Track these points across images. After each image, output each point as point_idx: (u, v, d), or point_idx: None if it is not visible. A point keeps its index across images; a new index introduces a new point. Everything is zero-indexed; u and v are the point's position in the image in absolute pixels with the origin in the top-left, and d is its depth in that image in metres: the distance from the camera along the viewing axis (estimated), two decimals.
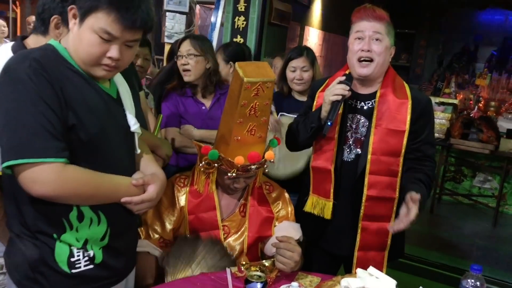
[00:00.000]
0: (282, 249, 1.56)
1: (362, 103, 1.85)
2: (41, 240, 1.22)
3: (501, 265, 3.74)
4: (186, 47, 2.26)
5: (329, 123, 1.71)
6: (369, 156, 1.78)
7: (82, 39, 1.20)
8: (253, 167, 1.66)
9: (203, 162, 1.70)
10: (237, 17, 4.18)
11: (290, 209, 1.89)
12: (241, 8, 4.16)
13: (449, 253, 3.89)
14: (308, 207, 1.92)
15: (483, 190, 5.19)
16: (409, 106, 1.78)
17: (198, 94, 2.33)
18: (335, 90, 1.71)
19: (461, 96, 6.23)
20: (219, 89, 2.36)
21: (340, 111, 1.80)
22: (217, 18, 4.44)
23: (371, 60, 1.75)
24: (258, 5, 4.10)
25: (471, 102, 6.10)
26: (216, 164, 1.68)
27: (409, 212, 1.62)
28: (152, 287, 1.63)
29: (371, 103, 1.83)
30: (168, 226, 1.75)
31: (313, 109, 1.90)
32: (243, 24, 4.18)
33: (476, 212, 5.09)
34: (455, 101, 5.33)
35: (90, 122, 1.20)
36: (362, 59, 1.75)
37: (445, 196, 5.33)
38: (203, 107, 2.31)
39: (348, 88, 1.72)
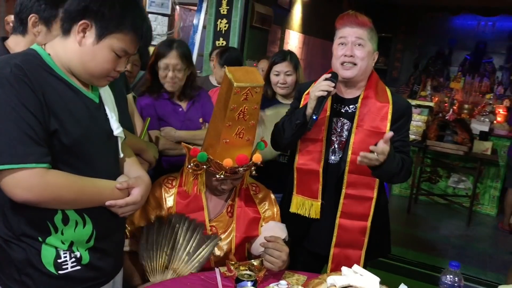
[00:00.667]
0: (270, 249, 1.60)
1: (346, 107, 1.92)
2: (26, 242, 1.23)
3: (475, 263, 3.88)
4: (174, 61, 2.21)
5: (314, 117, 1.76)
6: (349, 155, 1.85)
7: (96, 55, 1.25)
8: (241, 169, 1.70)
9: (191, 164, 1.74)
10: (219, 20, 4.23)
11: (276, 209, 1.93)
12: (223, 11, 4.21)
13: (426, 252, 4.01)
14: (293, 208, 1.98)
15: (458, 190, 5.36)
16: (390, 109, 1.85)
17: (174, 97, 2.33)
18: (320, 86, 1.77)
19: (437, 99, 6.42)
20: (195, 92, 2.38)
21: (328, 113, 1.87)
22: (199, 20, 4.47)
23: (354, 64, 1.82)
24: (240, 8, 4.15)
25: (446, 104, 6.29)
26: (204, 166, 1.72)
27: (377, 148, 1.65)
28: (140, 287, 1.66)
29: (354, 106, 1.90)
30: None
31: None
32: (225, 27, 4.22)
33: (451, 211, 5.25)
34: (431, 104, 5.49)
35: (72, 127, 1.22)
36: (345, 63, 1.83)
37: (421, 196, 5.48)
38: (180, 109, 2.32)
39: (333, 84, 1.77)
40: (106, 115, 1.37)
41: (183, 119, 2.31)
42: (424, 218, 4.98)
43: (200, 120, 2.37)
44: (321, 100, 1.76)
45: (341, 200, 1.89)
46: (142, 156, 1.91)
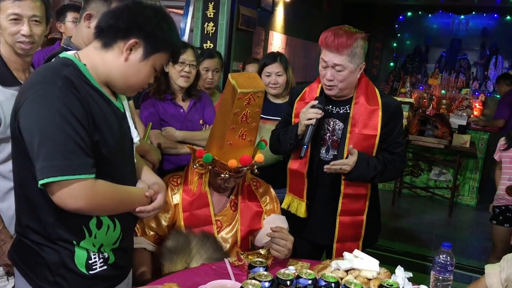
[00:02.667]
0: (277, 238, 1.72)
1: (338, 108, 2.04)
2: (61, 245, 1.28)
3: (457, 251, 4.05)
4: (190, 57, 2.36)
5: (305, 146, 1.93)
6: (344, 157, 1.97)
7: (140, 71, 1.33)
8: (244, 169, 1.81)
9: (196, 164, 1.84)
10: (206, 23, 4.30)
11: (276, 203, 2.06)
12: (210, 15, 4.29)
13: (412, 242, 4.19)
14: (284, 205, 2.14)
15: (439, 182, 5.57)
16: (380, 112, 1.97)
17: (178, 98, 2.43)
18: (308, 114, 1.92)
19: (416, 95, 6.63)
20: (198, 92, 2.49)
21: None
22: (186, 24, 4.54)
23: (334, 85, 1.94)
24: (226, 11, 4.23)
25: (425, 100, 6.51)
26: (209, 166, 1.82)
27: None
28: (154, 280, 1.75)
29: (345, 108, 2.03)
30: (164, 223, 1.87)
31: (292, 117, 2.09)
32: (212, 29, 4.30)
33: (433, 203, 5.47)
34: (411, 100, 5.68)
35: (109, 137, 1.28)
36: (327, 85, 1.95)
37: (404, 190, 5.67)
38: (181, 110, 2.41)
39: (320, 111, 1.92)
40: (128, 123, 1.44)
41: (183, 120, 2.40)
42: (408, 210, 5.17)
43: (201, 121, 2.46)
44: (310, 128, 1.92)
45: (340, 200, 2.02)
46: (146, 158, 2.00)
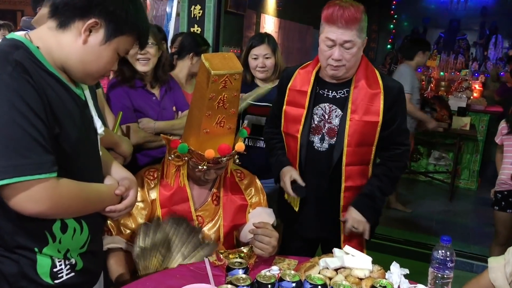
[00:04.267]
0: (260, 235, 1.58)
1: (334, 92, 1.85)
2: (20, 254, 1.14)
3: (458, 237, 3.93)
4: None
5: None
6: (345, 148, 1.81)
7: (101, 56, 1.16)
8: (224, 159, 1.66)
9: (172, 156, 1.69)
10: (193, 6, 4.12)
11: (262, 196, 1.91)
12: None
13: (411, 229, 4.06)
14: (286, 196, 1.99)
15: (438, 167, 5.44)
16: (382, 96, 1.79)
17: (148, 85, 2.21)
18: (287, 191, 1.88)
19: None
20: (166, 76, 2.28)
21: (306, 108, 1.87)
22: (172, 8, 4.36)
23: (343, 65, 1.75)
24: None
25: (423, 83, 6.34)
26: (186, 158, 1.67)
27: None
28: (130, 282, 1.61)
29: (343, 92, 1.84)
30: (140, 220, 1.72)
31: (284, 104, 1.91)
32: (199, 13, 4.12)
33: (433, 188, 5.33)
34: None
35: (71, 129, 1.14)
36: (332, 65, 1.75)
37: (403, 175, 5.52)
38: (154, 98, 2.22)
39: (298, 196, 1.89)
40: (91, 112, 1.29)
41: (158, 108, 2.21)
42: (407, 196, 5.02)
43: (174, 108, 2.28)
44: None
45: (342, 193, 1.87)
46: (116, 150, 1.85)
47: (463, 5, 8.49)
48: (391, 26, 9.08)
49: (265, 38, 2.59)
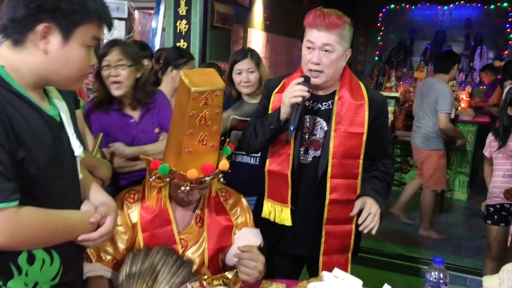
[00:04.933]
0: (245, 260, 1.51)
1: (319, 104, 1.83)
2: None
3: (451, 249, 3.90)
4: (115, 56, 1.98)
5: (291, 128, 1.68)
6: (330, 160, 1.77)
7: (70, 57, 1.10)
8: (207, 179, 1.60)
9: (153, 177, 1.62)
10: (178, 21, 4.10)
11: (249, 215, 1.84)
12: (182, 12, 4.08)
13: (403, 243, 4.00)
14: (264, 213, 1.90)
15: None
16: (366, 107, 1.77)
17: (126, 107, 2.10)
18: (294, 91, 1.68)
19: (401, 89, 6.47)
20: (148, 98, 2.14)
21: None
22: (157, 23, 4.32)
23: (321, 71, 1.73)
24: (199, 8, 4.04)
25: (411, 94, 6.35)
26: (167, 179, 1.60)
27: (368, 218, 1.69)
28: None
29: (328, 104, 1.82)
30: (121, 246, 1.64)
31: (270, 109, 1.87)
32: (185, 28, 4.10)
33: None
34: (397, 94, 5.52)
35: (39, 153, 1.07)
36: (312, 70, 1.73)
37: (393, 187, 5.49)
38: (131, 120, 2.10)
39: (306, 89, 1.69)
40: (67, 134, 1.22)
41: (135, 132, 2.09)
42: None
43: (156, 130, 2.15)
44: (296, 107, 1.68)
45: (326, 206, 1.81)
46: (94, 174, 1.76)
47: (448, 17, 8.57)
48: (378, 38, 9.13)
49: (248, 52, 2.56)
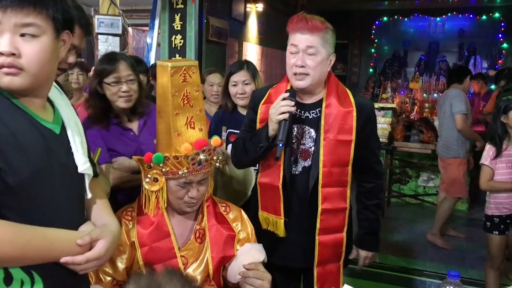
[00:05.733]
0: (251, 278, 1.45)
1: (307, 112, 1.82)
2: None
3: (454, 261, 3.84)
4: (125, 72, 1.98)
5: (280, 145, 1.67)
6: (321, 169, 1.75)
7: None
8: (202, 157, 1.57)
9: (148, 179, 1.58)
10: (173, 36, 4.08)
11: (250, 229, 1.79)
12: (177, 27, 4.07)
13: (407, 255, 3.94)
14: (263, 225, 1.89)
15: (428, 189, 5.37)
16: (354, 114, 1.76)
17: (124, 120, 2.07)
18: (280, 108, 1.67)
19: (397, 100, 6.48)
20: (145, 108, 2.13)
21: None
22: (152, 38, 4.30)
23: (306, 74, 1.72)
24: (194, 23, 4.02)
25: (407, 105, 6.36)
26: (163, 170, 1.56)
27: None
28: None
29: (315, 112, 1.81)
30: (120, 266, 1.58)
31: (257, 123, 1.86)
32: (180, 42, 4.08)
33: (423, 210, 5.24)
34: (394, 105, 5.51)
35: (20, 164, 1.01)
36: (297, 74, 1.72)
37: (393, 199, 5.45)
38: (131, 133, 2.08)
39: (293, 103, 1.69)
40: (68, 147, 1.16)
41: (136, 144, 2.06)
42: (398, 220, 4.93)
43: (155, 141, 2.15)
44: (283, 123, 1.67)
45: (319, 217, 1.79)
46: None
47: (441, 28, 8.63)
48: (372, 50, 9.18)
49: (244, 64, 2.55)
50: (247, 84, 2.47)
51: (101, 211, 1.28)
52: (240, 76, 2.48)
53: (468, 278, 3.44)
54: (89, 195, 1.23)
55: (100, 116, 2.02)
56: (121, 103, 2.00)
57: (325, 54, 1.72)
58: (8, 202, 1.00)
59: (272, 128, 1.70)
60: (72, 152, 1.17)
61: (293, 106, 1.68)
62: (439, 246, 4.10)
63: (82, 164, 1.18)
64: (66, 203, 1.15)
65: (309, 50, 1.69)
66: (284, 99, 1.70)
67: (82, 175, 1.20)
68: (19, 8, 0.99)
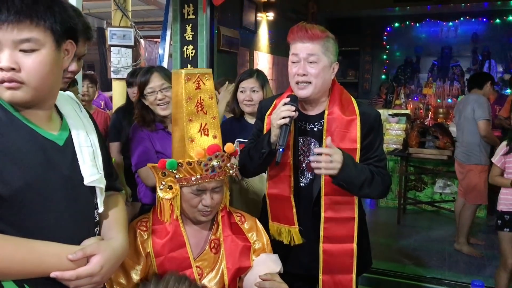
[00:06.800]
0: None
1: (312, 124, 1.81)
2: None
3: (473, 270, 3.74)
4: (158, 82, 2.18)
5: (281, 150, 1.66)
6: (323, 177, 1.74)
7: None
8: (215, 163, 1.55)
9: (162, 186, 1.57)
10: (185, 47, 4.09)
11: (266, 239, 1.76)
12: (188, 37, 4.08)
13: (423, 264, 3.86)
14: (274, 235, 1.87)
15: (444, 195, 5.28)
16: (358, 122, 1.74)
17: (169, 126, 2.22)
18: (281, 113, 1.67)
19: (411, 106, 6.41)
20: None
21: (292, 133, 1.77)
22: (164, 49, 4.33)
23: (309, 82, 1.71)
24: (205, 33, 4.03)
25: (421, 111, 6.29)
26: (177, 176, 1.55)
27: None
28: None
29: (319, 123, 1.80)
30: (135, 277, 1.56)
31: (264, 132, 1.85)
32: (192, 53, 4.09)
33: (440, 218, 5.14)
34: (408, 112, 5.45)
35: (12, 174, 0.99)
36: (299, 82, 1.72)
37: (409, 206, 5.36)
38: None
39: (294, 108, 1.67)
40: (74, 159, 1.14)
41: None
42: (415, 228, 4.84)
43: None
44: (284, 128, 1.66)
45: (322, 225, 1.78)
46: None
47: (453, 32, 8.56)
48: (384, 56, 9.13)
49: (255, 73, 2.58)
50: (254, 91, 2.49)
51: (110, 226, 1.25)
52: (248, 83, 2.51)
53: (489, 287, 3.36)
54: (100, 209, 1.20)
55: (148, 120, 2.23)
56: (159, 111, 2.20)
57: (327, 62, 1.71)
58: (1, 213, 0.99)
59: (274, 134, 1.69)
60: (78, 164, 1.15)
61: (294, 111, 1.67)
62: (467, 254, 4.02)
63: (89, 175, 1.16)
64: (69, 217, 1.12)
65: (311, 58, 1.69)
66: (285, 104, 1.69)
67: (93, 188, 1.18)
68: (15, 23, 0.99)
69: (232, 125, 2.55)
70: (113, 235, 1.22)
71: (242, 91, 2.51)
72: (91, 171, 1.17)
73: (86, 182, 1.16)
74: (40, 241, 1.04)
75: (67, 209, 1.12)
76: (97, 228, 1.25)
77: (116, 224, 1.27)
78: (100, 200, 1.21)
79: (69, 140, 1.15)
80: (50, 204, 1.07)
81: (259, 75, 2.56)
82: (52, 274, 1.04)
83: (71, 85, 2.30)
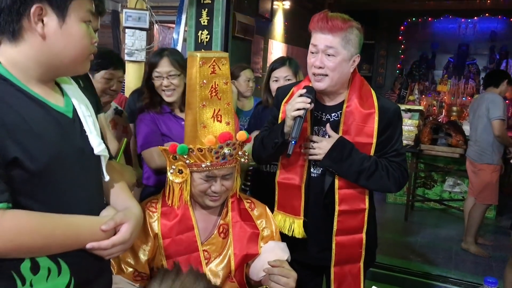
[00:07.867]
0: (276, 275, 1.42)
1: (328, 115, 1.79)
2: None
3: (480, 270, 3.71)
4: (166, 68, 2.13)
5: (293, 142, 1.63)
6: None
7: (71, 35, 1.05)
8: (226, 151, 1.53)
9: (172, 170, 1.56)
10: (200, 32, 4.06)
11: (275, 226, 1.75)
12: (204, 22, 4.04)
13: (429, 261, 3.84)
14: (279, 226, 1.84)
15: (454, 194, 5.23)
16: (376, 116, 1.71)
17: (176, 110, 2.22)
18: (296, 104, 1.63)
19: (425, 102, 6.34)
20: None
21: (308, 122, 1.75)
22: (179, 33, 4.29)
23: (325, 75, 1.68)
24: (221, 18, 3.99)
25: (434, 108, 6.22)
26: (187, 161, 1.54)
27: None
28: None
29: (337, 114, 1.77)
30: (143, 257, 1.57)
31: (279, 120, 1.83)
32: (206, 38, 4.05)
33: (448, 216, 5.11)
34: (421, 108, 5.38)
35: (38, 151, 0.99)
36: (316, 74, 1.69)
37: (417, 203, 5.33)
38: (183, 123, 2.14)
39: (309, 100, 1.64)
40: (82, 130, 1.15)
41: None
42: (422, 225, 4.82)
43: None
44: (298, 120, 1.63)
45: (336, 218, 1.76)
46: None
47: (471, 30, 8.41)
48: (400, 51, 9.01)
49: (287, 60, 2.54)
50: (288, 80, 2.45)
51: (119, 194, 1.27)
52: (282, 72, 2.47)
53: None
54: (106, 178, 1.21)
55: (155, 102, 2.20)
56: (164, 97, 2.17)
57: (346, 55, 1.66)
58: (30, 191, 0.99)
59: (288, 125, 1.67)
60: (86, 135, 1.15)
61: (309, 103, 1.64)
62: (474, 254, 3.99)
63: (98, 145, 1.17)
64: (86, 188, 1.14)
65: (329, 51, 1.65)
66: (301, 95, 1.66)
67: (98, 157, 1.19)
68: None
69: (263, 113, 2.53)
70: (127, 203, 1.24)
71: (275, 80, 2.48)
72: (98, 141, 1.18)
73: (96, 152, 1.17)
74: (72, 216, 1.07)
75: (85, 180, 1.13)
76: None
77: (124, 192, 1.30)
78: (105, 169, 1.21)
79: (75, 112, 1.16)
80: (72, 177, 1.09)
81: (291, 62, 2.53)
82: (89, 245, 1.08)
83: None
